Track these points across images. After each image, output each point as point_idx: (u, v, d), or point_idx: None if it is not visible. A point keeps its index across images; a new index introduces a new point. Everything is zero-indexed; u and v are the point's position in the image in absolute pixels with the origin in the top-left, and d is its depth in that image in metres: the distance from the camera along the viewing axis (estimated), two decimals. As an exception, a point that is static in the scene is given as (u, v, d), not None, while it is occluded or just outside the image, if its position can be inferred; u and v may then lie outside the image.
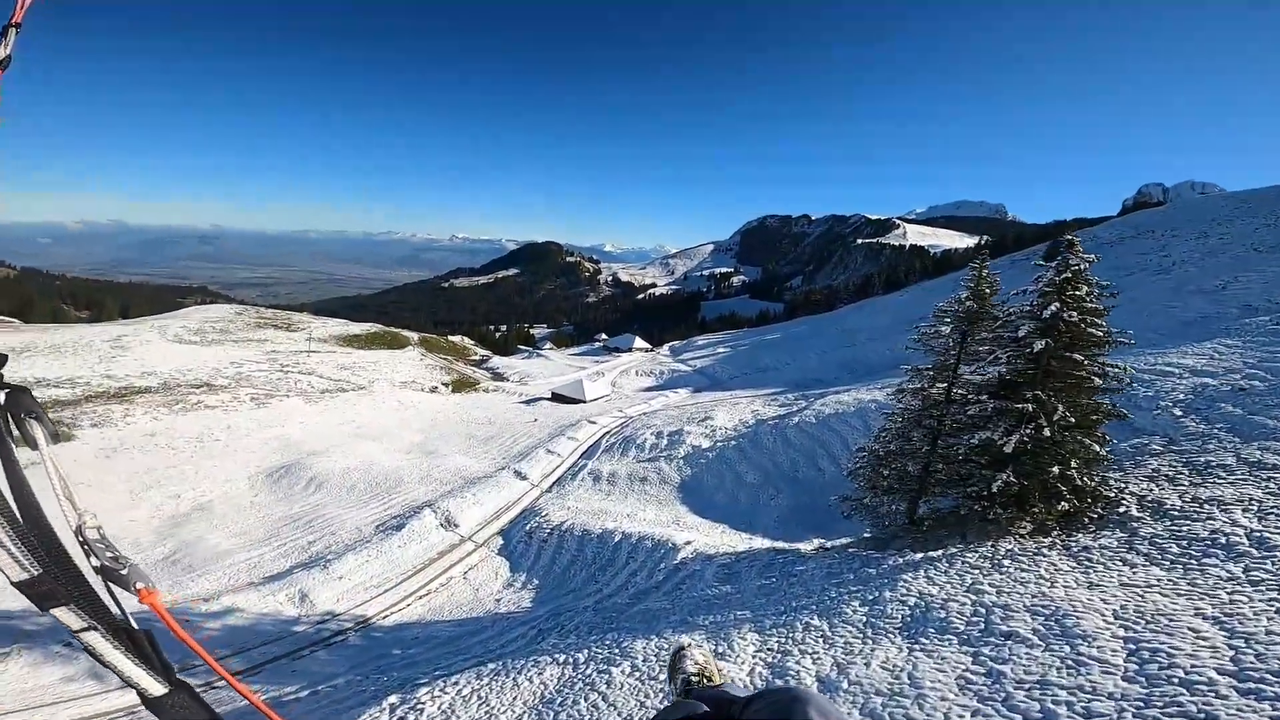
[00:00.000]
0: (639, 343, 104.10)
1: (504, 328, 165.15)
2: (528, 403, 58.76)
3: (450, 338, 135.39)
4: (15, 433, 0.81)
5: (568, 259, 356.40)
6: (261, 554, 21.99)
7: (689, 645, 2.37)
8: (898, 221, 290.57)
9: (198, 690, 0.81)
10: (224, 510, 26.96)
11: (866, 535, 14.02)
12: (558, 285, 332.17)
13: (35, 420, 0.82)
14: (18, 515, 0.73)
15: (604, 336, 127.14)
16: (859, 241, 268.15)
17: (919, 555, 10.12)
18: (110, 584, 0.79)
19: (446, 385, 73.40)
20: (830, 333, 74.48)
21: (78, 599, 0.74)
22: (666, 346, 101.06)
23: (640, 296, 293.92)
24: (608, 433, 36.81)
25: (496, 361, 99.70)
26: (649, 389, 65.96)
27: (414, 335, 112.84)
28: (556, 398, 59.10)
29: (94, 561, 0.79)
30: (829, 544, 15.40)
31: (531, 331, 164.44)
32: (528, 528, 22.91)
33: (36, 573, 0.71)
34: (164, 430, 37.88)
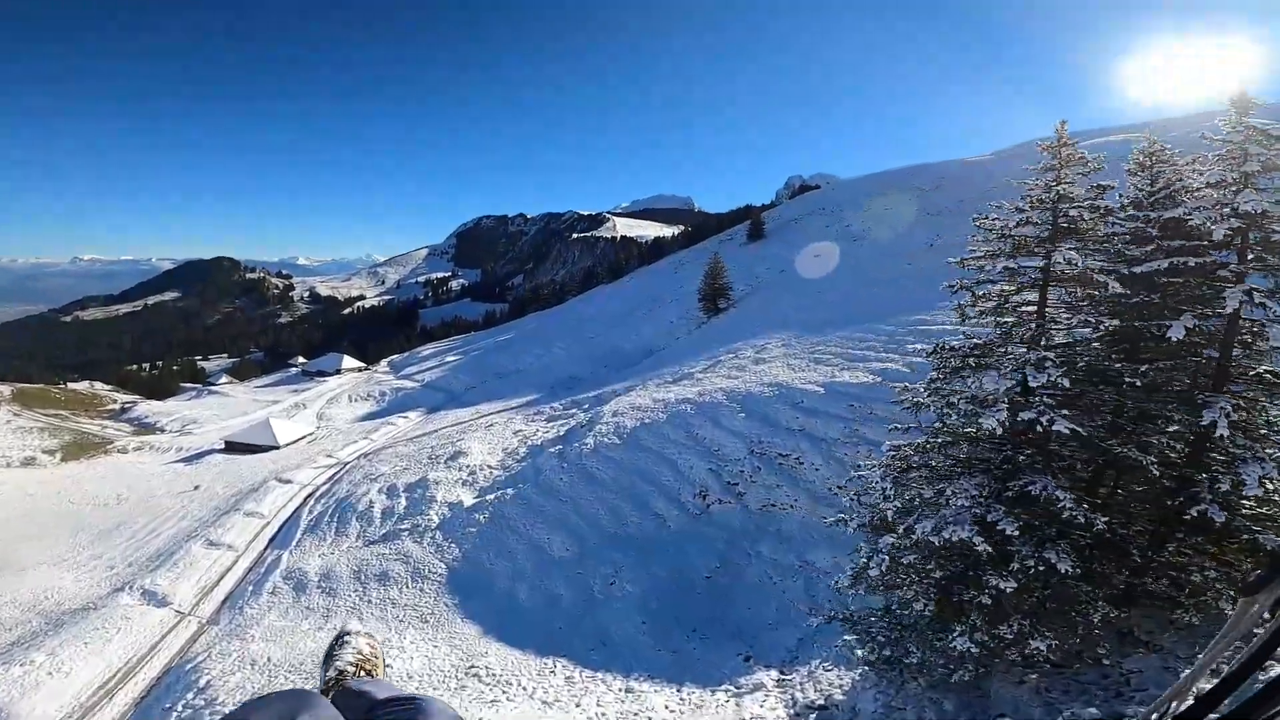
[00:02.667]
0: (349, 362, 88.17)
1: (160, 364, 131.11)
2: (188, 460, 42.64)
3: (72, 385, 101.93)
4: None
5: (248, 275, 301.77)
6: None
7: (356, 632, 2.00)
8: (608, 215, 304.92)
9: None
10: None
11: (878, 658, 7.09)
12: (237, 308, 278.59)
13: None
14: None
15: (302, 360, 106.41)
16: (574, 236, 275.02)
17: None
18: None
19: (53, 453, 51.54)
20: (569, 325, 69.68)
21: None
22: (385, 362, 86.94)
23: (348, 311, 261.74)
24: (313, 494, 25.74)
25: (146, 408, 75.69)
26: (369, 416, 53.75)
27: (4, 389, 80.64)
28: (234, 448, 43.96)
29: None
30: (815, 695, 8.79)
31: (203, 365, 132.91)
32: (167, 724, 12.41)
33: None
34: None
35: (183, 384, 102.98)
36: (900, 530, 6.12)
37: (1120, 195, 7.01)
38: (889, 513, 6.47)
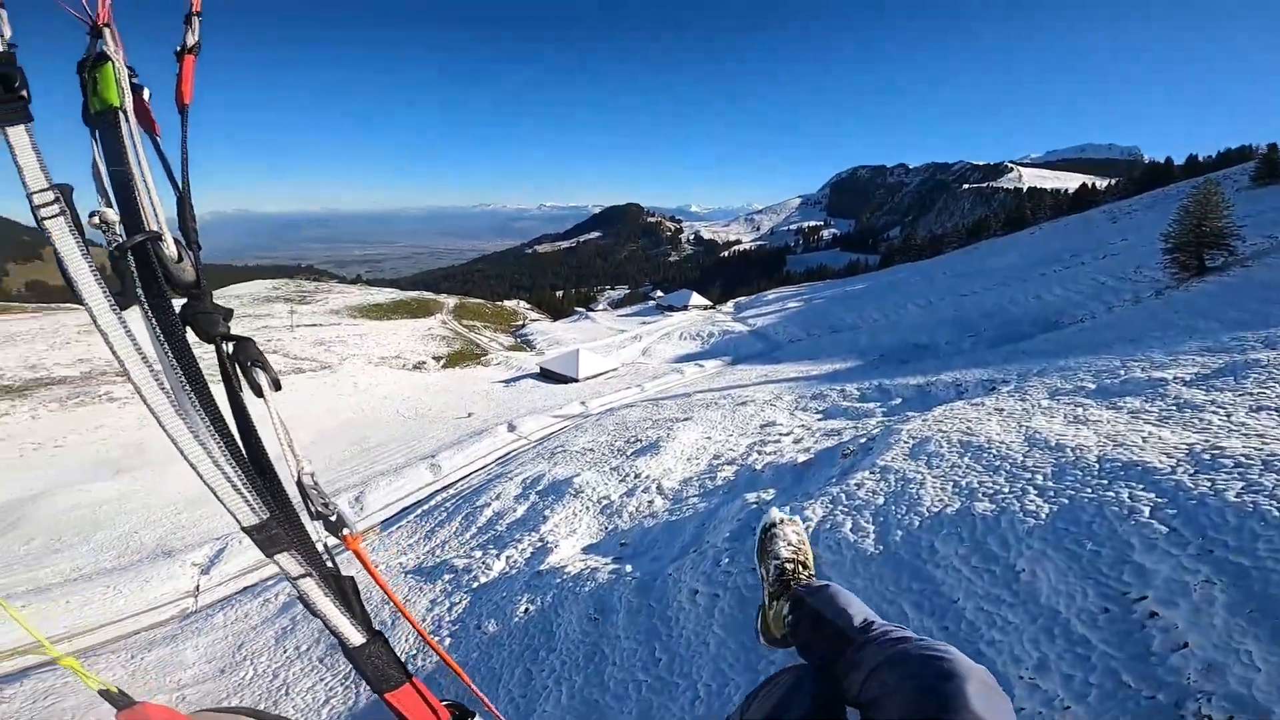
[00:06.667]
0: (696, 299, 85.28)
1: (567, 289, 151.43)
2: (508, 382, 42.41)
3: (504, 302, 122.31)
4: (244, 382, 0.77)
5: (649, 219, 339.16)
6: None
7: (781, 521, 1.71)
8: (1011, 165, 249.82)
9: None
10: None
11: None
12: (640, 246, 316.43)
13: (260, 369, 0.78)
14: (248, 462, 0.72)
15: (659, 294, 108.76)
16: (965, 187, 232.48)
17: None
18: (325, 530, 0.80)
19: (439, 359, 58.45)
20: (936, 279, 52.60)
21: (298, 545, 0.74)
22: (731, 302, 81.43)
23: (724, 254, 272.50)
24: (503, 458, 19.57)
25: (534, 328, 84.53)
26: (681, 358, 47.84)
27: (450, 300, 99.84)
28: (545, 375, 42.41)
29: (311, 508, 0.78)
30: None
31: (592, 292, 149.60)
32: None
33: (265, 518, 0.71)
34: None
35: (575, 308, 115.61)
36: None
37: None
38: None
